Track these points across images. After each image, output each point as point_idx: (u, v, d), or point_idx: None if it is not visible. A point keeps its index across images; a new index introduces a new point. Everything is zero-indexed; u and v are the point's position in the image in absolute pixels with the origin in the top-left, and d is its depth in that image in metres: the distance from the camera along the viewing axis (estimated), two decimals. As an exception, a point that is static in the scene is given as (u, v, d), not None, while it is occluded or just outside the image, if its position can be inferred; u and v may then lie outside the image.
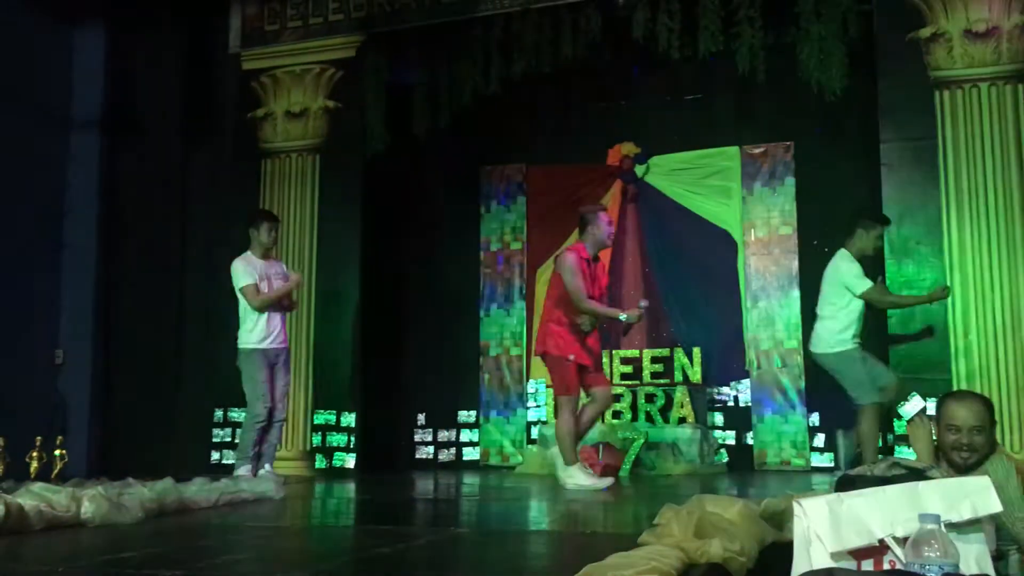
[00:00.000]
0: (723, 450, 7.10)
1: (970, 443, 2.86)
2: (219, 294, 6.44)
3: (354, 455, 7.02)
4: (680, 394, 7.20)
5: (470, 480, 6.70)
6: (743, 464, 7.07)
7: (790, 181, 7.43)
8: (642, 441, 7.03)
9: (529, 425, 7.67)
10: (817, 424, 6.97)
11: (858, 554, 1.84)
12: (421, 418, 7.97)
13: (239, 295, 5.83)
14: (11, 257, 6.97)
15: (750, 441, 7.16)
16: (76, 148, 7.73)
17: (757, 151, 7.56)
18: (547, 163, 8.17)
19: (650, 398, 7.27)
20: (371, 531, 3.92)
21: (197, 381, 6.91)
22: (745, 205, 7.51)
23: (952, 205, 5.90)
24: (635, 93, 7.91)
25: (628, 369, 7.44)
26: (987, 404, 2.99)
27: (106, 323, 7.64)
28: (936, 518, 1.70)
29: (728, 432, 7.18)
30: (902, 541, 1.79)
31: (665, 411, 7.24)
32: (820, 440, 6.94)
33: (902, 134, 6.08)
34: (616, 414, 7.32)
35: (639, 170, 7.82)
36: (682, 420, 7.14)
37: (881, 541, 1.83)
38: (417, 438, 7.96)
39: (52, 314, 7.50)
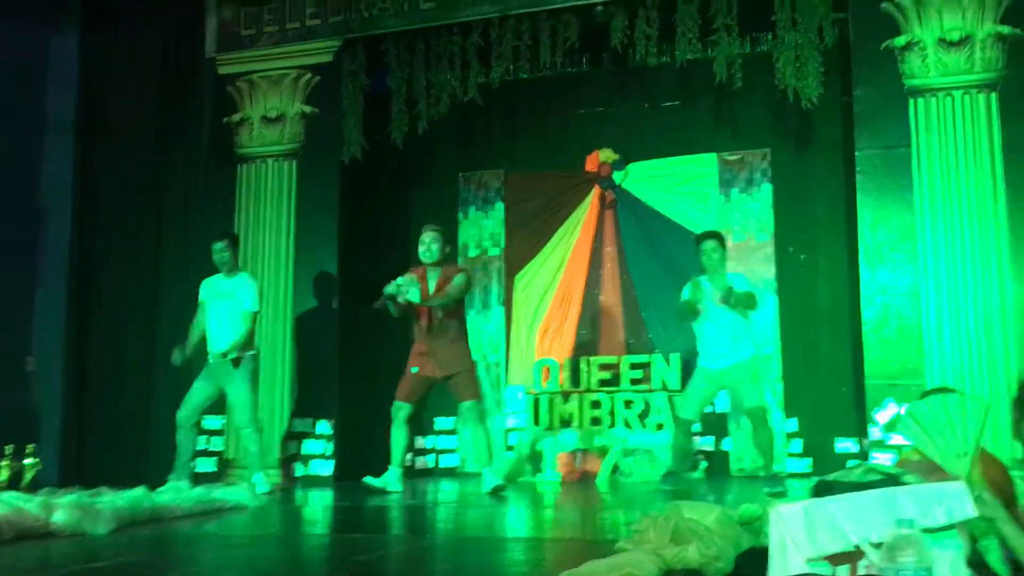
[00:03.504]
0: (699, 455, 7.10)
1: None
2: (194, 300, 6.39)
3: (331, 463, 6.97)
4: (658, 400, 7.20)
5: (447, 487, 6.67)
6: (720, 470, 7.09)
7: (767, 188, 7.46)
8: (620, 447, 7.03)
9: (507, 432, 7.65)
10: (795, 430, 6.99)
11: (834, 559, 1.84)
12: (399, 425, 7.92)
13: None
14: (-18, 263, 6.88)
15: (727, 447, 7.17)
16: (50, 152, 7.65)
17: (734, 158, 7.59)
18: (525, 170, 8.16)
19: (628, 404, 7.28)
20: (348, 539, 3.89)
21: (171, 389, 6.83)
22: (722, 211, 7.54)
23: (926, 212, 5.95)
24: (613, 100, 7.93)
25: (607, 375, 7.43)
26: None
27: (79, 330, 7.54)
28: (911, 523, 1.71)
29: (706, 438, 7.18)
30: (877, 546, 1.80)
31: (643, 417, 7.24)
32: (797, 446, 6.96)
33: (877, 142, 6.12)
34: (595, 420, 7.32)
35: (617, 176, 7.84)
36: (660, 426, 7.14)
37: (857, 546, 1.83)
38: (395, 445, 7.91)
39: (23, 321, 7.41)
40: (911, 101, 6.07)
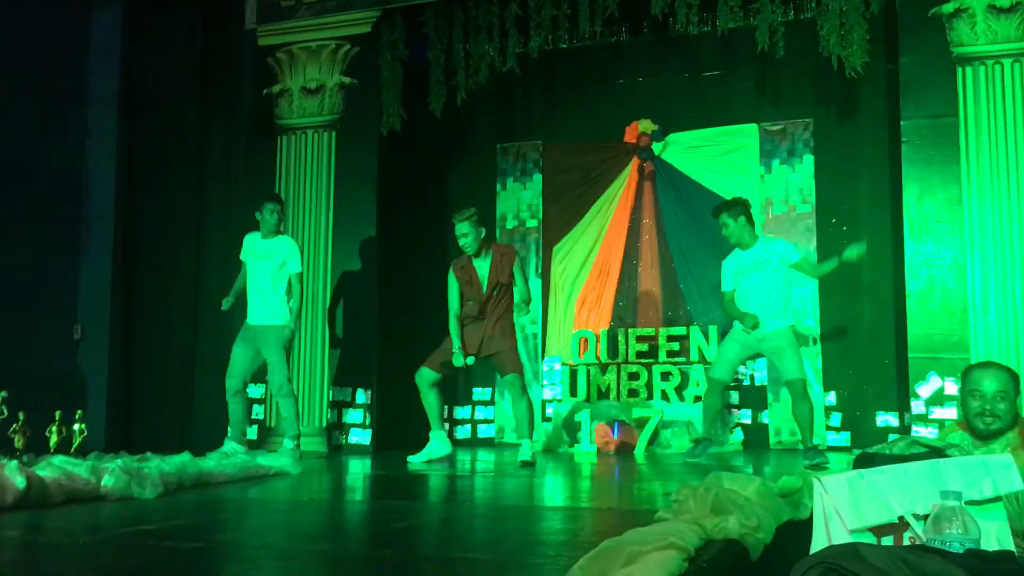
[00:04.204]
0: (738, 428, 7.10)
1: (993, 409, 2.96)
2: (235, 269, 6.47)
3: (370, 431, 7.06)
4: (696, 373, 7.19)
5: (485, 457, 6.72)
6: (758, 443, 7.07)
7: (809, 159, 7.36)
8: (658, 419, 7.03)
9: (544, 403, 7.67)
10: (833, 403, 6.94)
11: (878, 531, 1.83)
12: (437, 395, 7.98)
13: None
14: (30, 233, 7.01)
15: (765, 420, 7.14)
16: (94, 126, 7.75)
17: (775, 128, 7.49)
18: (564, 140, 8.12)
19: (666, 376, 7.27)
20: (388, 506, 3.94)
21: (214, 356, 6.95)
22: (763, 183, 7.45)
23: (973, 182, 5.84)
24: (653, 69, 7.84)
25: (644, 347, 7.43)
26: (1012, 374, 3.05)
27: (124, 299, 7.69)
28: (957, 495, 1.69)
29: (744, 411, 7.16)
30: (923, 518, 1.79)
31: (681, 389, 7.24)
32: (836, 419, 6.92)
33: (923, 111, 6.01)
34: (632, 392, 7.32)
35: (656, 147, 7.77)
36: (698, 398, 7.13)
37: (901, 518, 1.82)
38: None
39: (70, 290, 7.55)
40: (959, 69, 5.94)
